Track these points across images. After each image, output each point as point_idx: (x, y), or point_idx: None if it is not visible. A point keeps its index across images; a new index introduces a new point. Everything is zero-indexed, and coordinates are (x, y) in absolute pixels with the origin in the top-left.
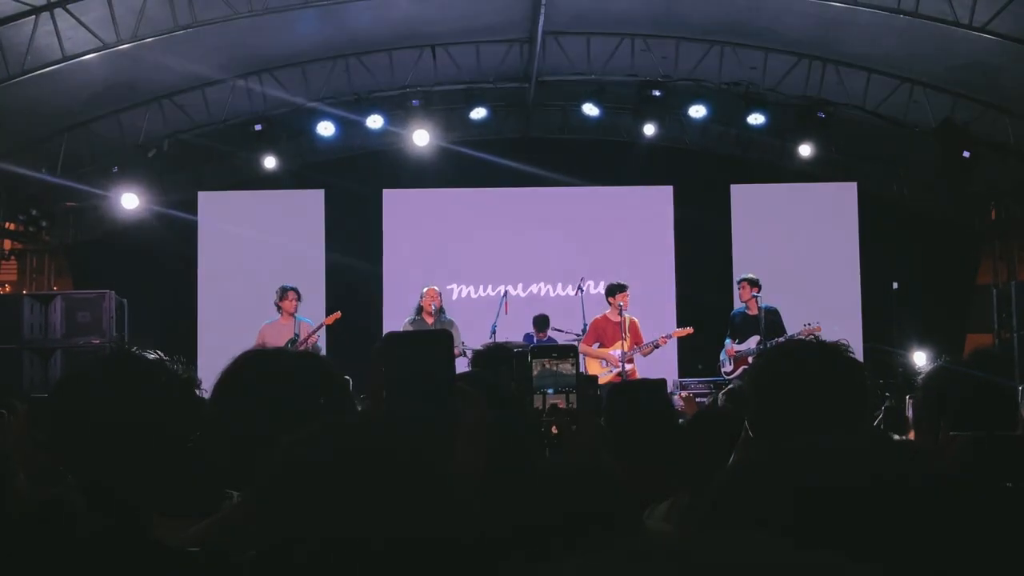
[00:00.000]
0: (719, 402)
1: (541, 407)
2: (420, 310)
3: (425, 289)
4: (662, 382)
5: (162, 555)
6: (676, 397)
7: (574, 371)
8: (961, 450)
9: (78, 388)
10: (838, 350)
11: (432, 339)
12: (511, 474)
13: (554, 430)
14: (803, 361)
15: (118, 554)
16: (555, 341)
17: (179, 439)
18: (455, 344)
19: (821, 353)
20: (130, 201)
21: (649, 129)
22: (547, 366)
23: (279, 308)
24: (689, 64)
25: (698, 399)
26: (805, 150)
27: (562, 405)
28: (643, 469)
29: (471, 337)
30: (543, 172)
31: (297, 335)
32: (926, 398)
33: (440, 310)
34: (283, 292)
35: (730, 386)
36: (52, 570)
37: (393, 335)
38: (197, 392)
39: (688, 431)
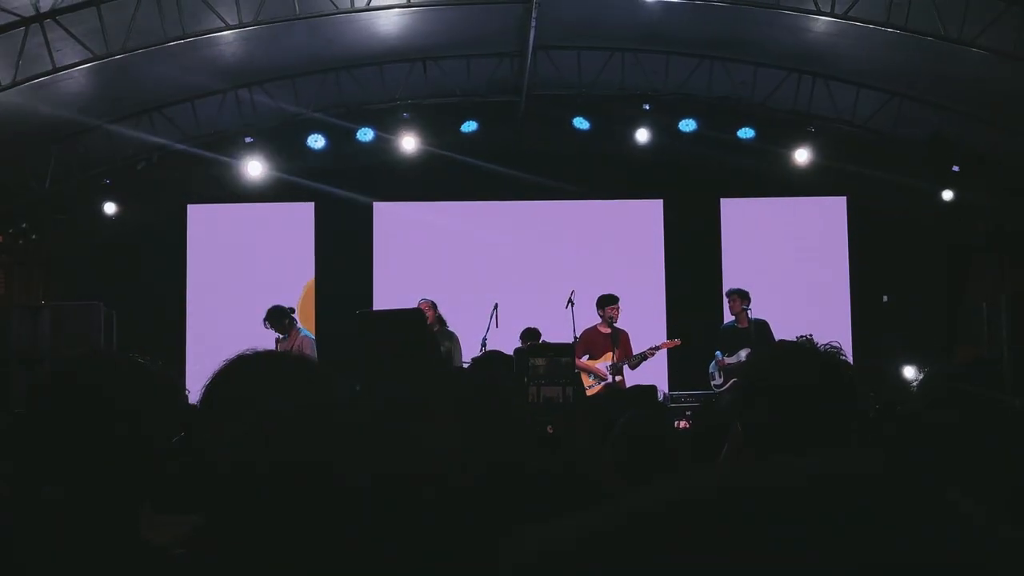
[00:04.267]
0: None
1: (536, 399)
2: None
3: (416, 303)
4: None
5: (144, 554)
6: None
7: (570, 367)
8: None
9: (51, 391)
10: (830, 353)
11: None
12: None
13: (549, 430)
14: (794, 361)
15: (99, 553)
16: None
17: (159, 438)
18: (456, 360)
19: (812, 355)
20: (113, 207)
21: (640, 140)
22: (544, 361)
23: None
24: (679, 78)
25: (687, 412)
26: (795, 164)
27: (558, 398)
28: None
29: (462, 350)
30: (533, 185)
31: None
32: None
33: (441, 321)
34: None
35: (728, 397)
36: (33, 570)
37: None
38: (179, 391)
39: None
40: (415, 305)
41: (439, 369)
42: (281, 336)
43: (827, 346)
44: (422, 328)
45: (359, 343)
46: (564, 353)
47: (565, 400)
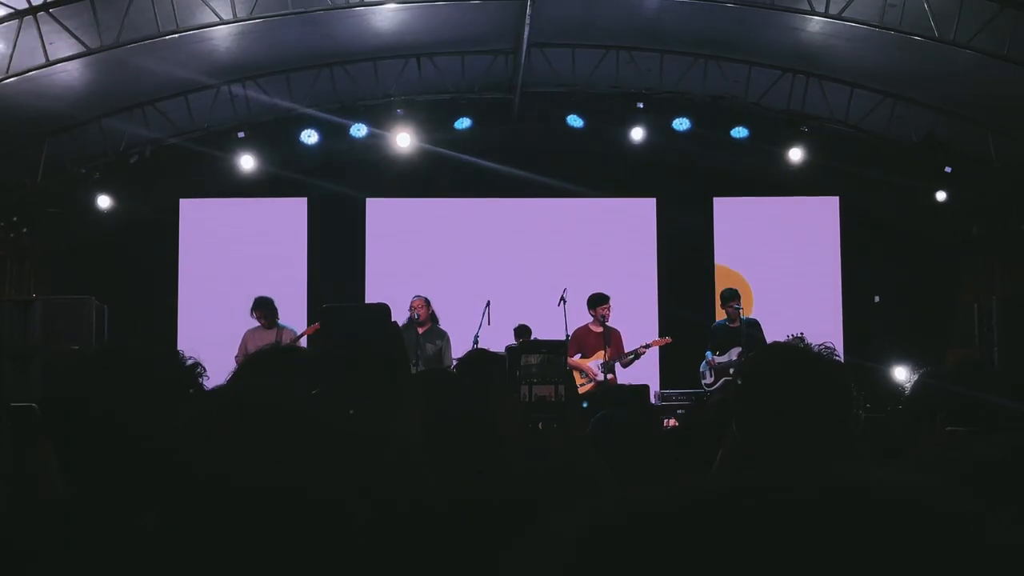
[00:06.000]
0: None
1: (528, 398)
2: (409, 321)
3: (410, 299)
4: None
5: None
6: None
7: (562, 365)
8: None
9: (83, 380)
10: (822, 353)
11: (369, 314)
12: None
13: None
14: (790, 361)
15: (116, 548)
16: None
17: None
18: (446, 360)
19: (807, 355)
20: (105, 202)
21: (634, 138)
22: (536, 360)
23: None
24: (673, 77)
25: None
26: (788, 164)
27: (550, 396)
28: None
29: (455, 349)
30: (527, 183)
31: (279, 342)
32: (914, 408)
33: (433, 319)
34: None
35: (720, 396)
36: (49, 566)
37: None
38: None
39: (677, 439)
40: (408, 302)
41: (403, 368)
42: (259, 326)
43: (821, 347)
44: (385, 323)
45: (323, 340)
46: (557, 350)
47: (557, 399)
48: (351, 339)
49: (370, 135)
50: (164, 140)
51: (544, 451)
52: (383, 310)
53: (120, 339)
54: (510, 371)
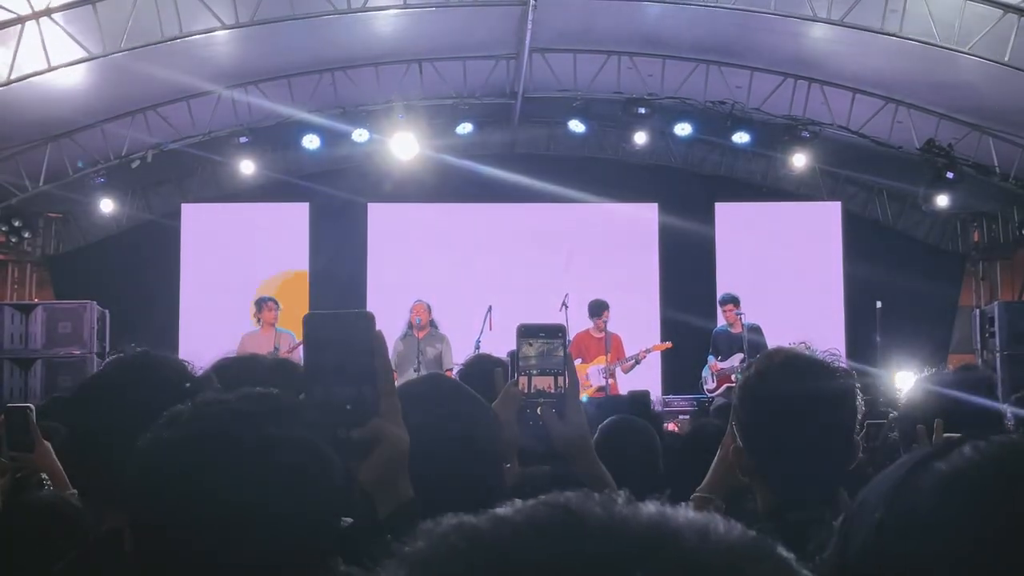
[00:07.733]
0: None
1: (528, 389)
2: (410, 326)
3: (412, 304)
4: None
5: None
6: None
7: (562, 353)
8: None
9: (106, 393)
10: (827, 361)
11: (350, 320)
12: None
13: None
14: (794, 366)
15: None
16: None
17: None
18: (446, 363)
19: (812, 361)
20: (107, 206)
21: (637, 143)
22: (534, 347)
23: (258, 320)
24: (675, 82)
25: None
26: (790, 169)
27: (549, 388)
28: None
29: (456, 353)
30: (528, 188)
31: (278, 347)
32: (914, 414)
33: (432, 324)
34: (260, 304)
35: (722, 401)
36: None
37: (312, 316)
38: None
39: (679, 448)
40: (410, 307)
41: (386, 376)
42: (256, 331)
43: (826, 353)
44: (367, 332)
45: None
46: (555, 334)
47: (557, 390)
48: (333, 347)
49: (372, 140)
50: (166, 145)
51: (542, 441)
52: (365, 316)
53: (117, 347)
54: (512, 363)
